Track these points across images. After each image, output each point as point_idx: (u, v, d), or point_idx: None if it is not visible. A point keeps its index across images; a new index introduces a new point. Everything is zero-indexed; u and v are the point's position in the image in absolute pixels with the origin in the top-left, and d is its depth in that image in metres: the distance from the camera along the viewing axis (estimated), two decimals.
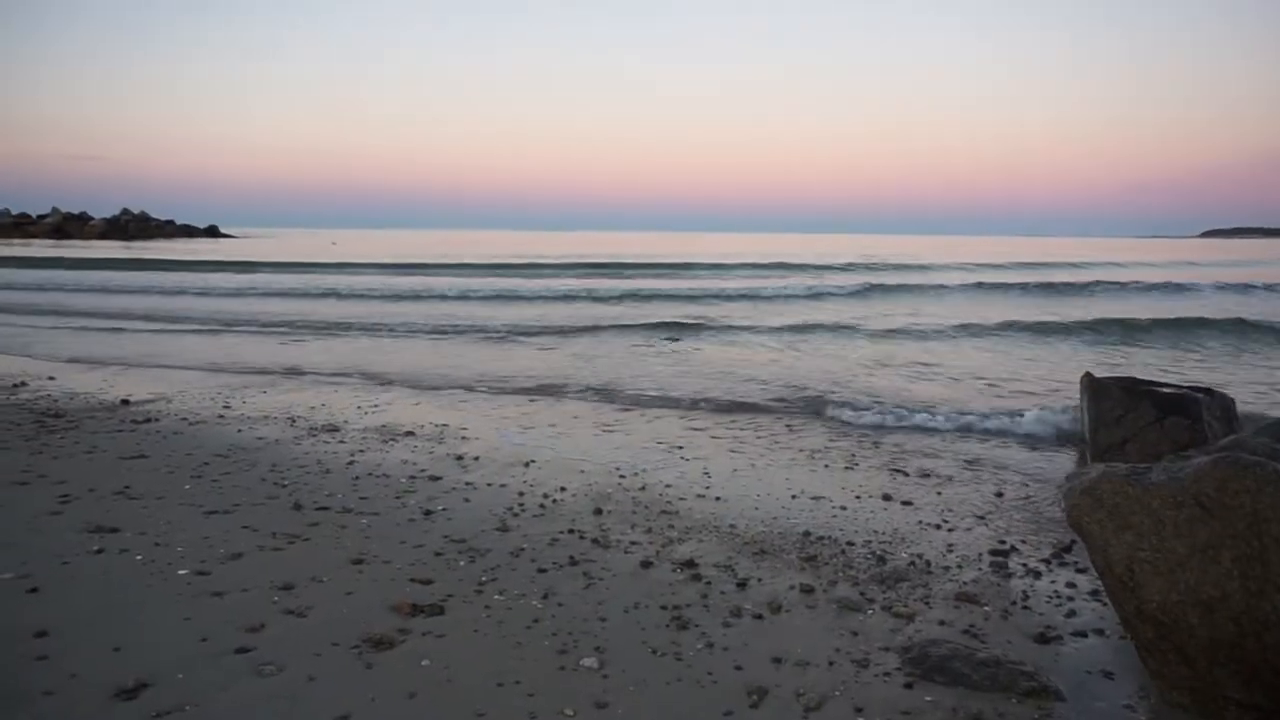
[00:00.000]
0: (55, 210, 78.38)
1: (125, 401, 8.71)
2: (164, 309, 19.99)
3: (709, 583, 4.24)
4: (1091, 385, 7.21)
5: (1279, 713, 2.90)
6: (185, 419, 7.91)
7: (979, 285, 26.74)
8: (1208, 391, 7.07)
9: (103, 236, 73.77)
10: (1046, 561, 4.68)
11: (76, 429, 7.36)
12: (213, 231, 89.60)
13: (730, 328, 16.19)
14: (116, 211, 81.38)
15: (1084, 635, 3.79)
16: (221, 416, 8.10)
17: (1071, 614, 4.01)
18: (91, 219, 78.21)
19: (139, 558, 4.38)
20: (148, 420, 7.80)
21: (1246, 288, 25.60)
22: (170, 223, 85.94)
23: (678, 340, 13.83)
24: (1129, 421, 6.74)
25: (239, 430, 7.49)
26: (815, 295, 24.09)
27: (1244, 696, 3.00)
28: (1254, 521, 3.01)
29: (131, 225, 79.49)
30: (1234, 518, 3.05)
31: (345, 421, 7.98)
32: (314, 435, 7.36)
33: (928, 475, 6.42)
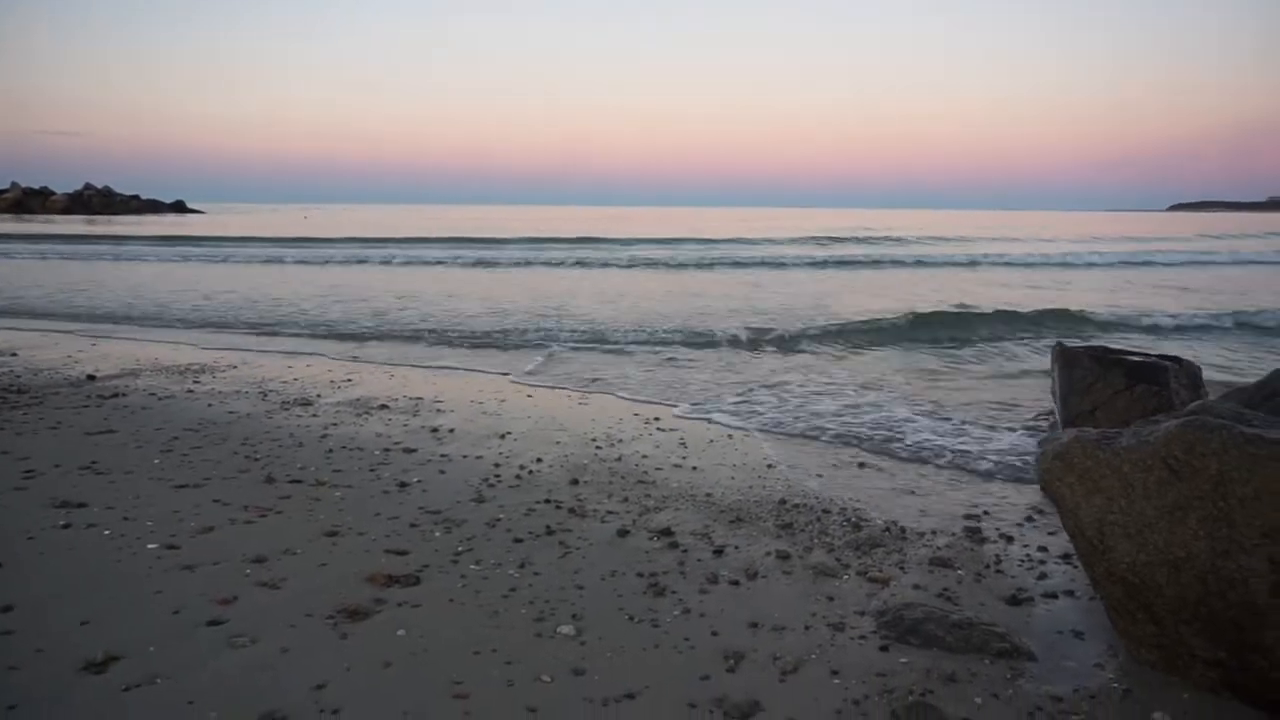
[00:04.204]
0: (15, 185, 76.53)
1: (91, 377, 8.54)
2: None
3: (686, 550, 4.25)
4: (1062, 354, 7.28)
5: (1242, 667, 2.95)
6: (154, 394, 7.78)
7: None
8: (1176, 360, 7.18)
9: (65, 212, 72.22)
10: (1019, 525, 4.75)
11: (40, 405, 7.22)
12: (179, 207, 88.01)
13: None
14: (79, 186, 79.67)
15: (1054, 597, 3.85)
16: (191, 391, 7.98)
17: (1043, 576, 4.07)
18: (54, 194, 76.47)
19: (107, 532, 4.31)
20: (115, 395, 7.67)
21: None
22: (135, 198, 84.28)
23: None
24: (1099, 389, 6.82)
25: (209, 405, 7.38)
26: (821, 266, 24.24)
27: (1209, 653, 3.05)
28: (1220, 483, 3.04)
29: (95, 200, 77.89)
30: (1200, 479, 3.09)
31: (318, 396, 7.89)
32: (286, 409, 7.27)
33: (903, 446, 6.47)
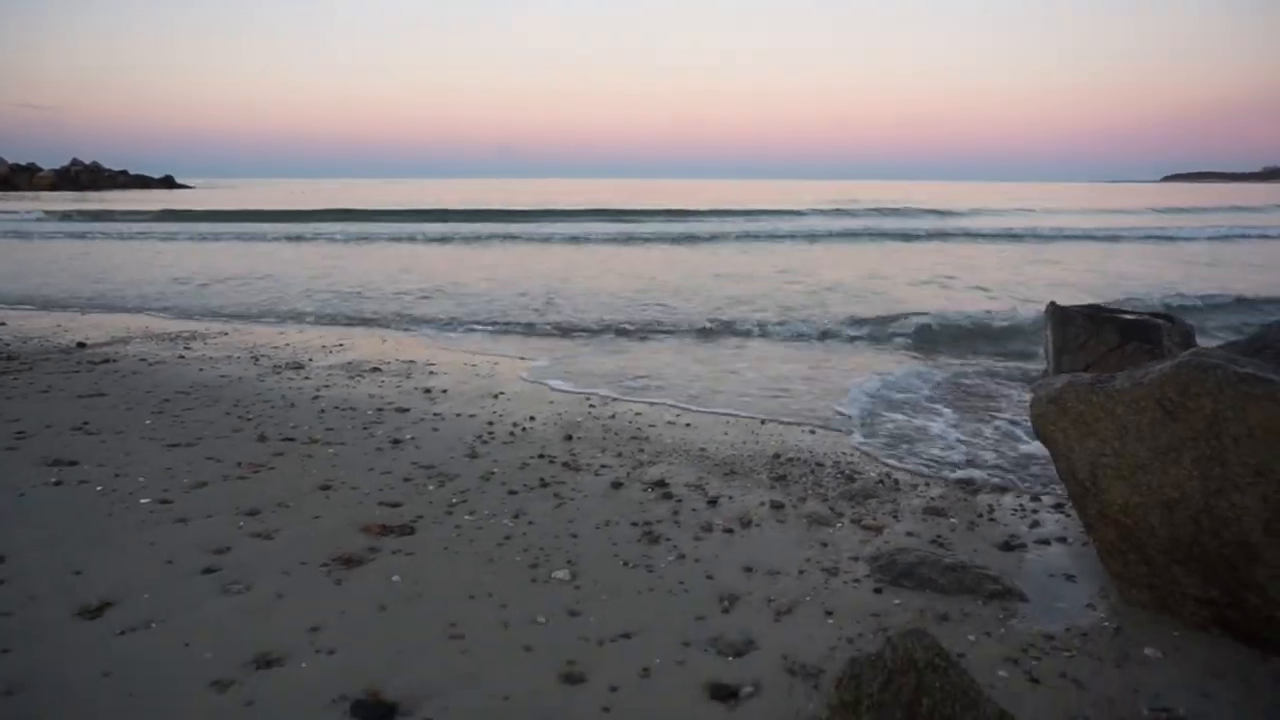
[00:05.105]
0: (1, 161, 75.68)
1: (81, 344, 8.49)
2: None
3: (680, 501, 4.25)
4: (1056, 313, 7.29)
5: (1234, 605, 2.97)
6: (144, 360, 7.74)
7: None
8: (1168, 318, 7.19)
9: (53, 188, 71.49)
10: (1012, 475, 4.76)
11: (30, 370, 7.17)
12: (168, 182, 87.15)
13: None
14: (66, 162, 78.84)
15: (1047, 543, 3.87)
16: (182, 357, 7.93)
17: (1035, 524, 4.09)
18: (40, 170, 75.66)
19: (99, 489, 4.29)
20: (105, 361, 7.62)
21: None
22: (123, 173, 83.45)
23: None
24: (1092, 347, 6.83)
25: (200, 369, 7.34)
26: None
27: (1200, 591, 3.07)
28: (1213, 422, 3.04)
29: (83, 176, 77.09)
30: (1194, 419, 3.09)
31: (310, 360, 7.85)
32: (278, 372, 7.24)
33: (895, 401, 6.48)
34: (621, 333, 9.56)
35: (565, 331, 9.65)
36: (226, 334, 9.36)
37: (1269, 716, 2.48)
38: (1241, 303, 11.71)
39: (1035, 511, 4.25)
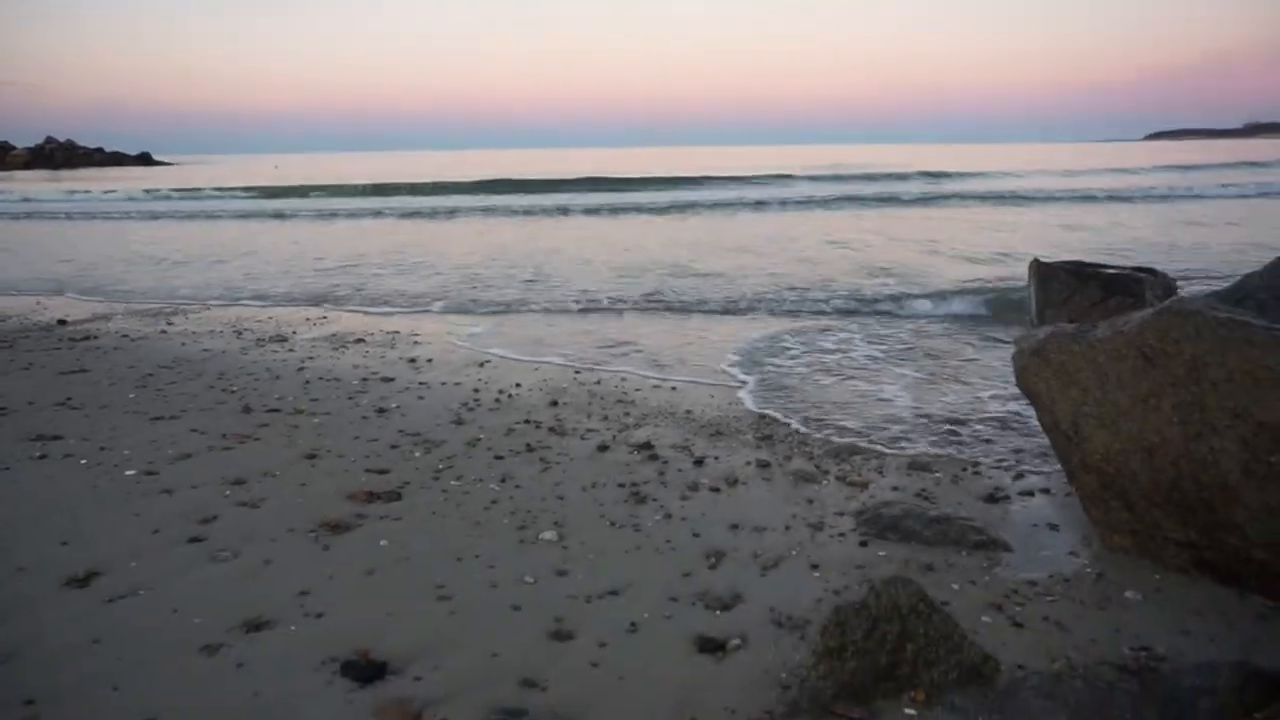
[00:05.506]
0: None
1: (62, 321, 8.41)
2: None
3: (666, 462, 4.27)
4: (1039, 269, 7.31)
5: (1213, 546, 3.01)
6: (126, 335, 7.67)
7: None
8: (1151, 271, 7.22)
9: (27, 167, 70.35)
10: (996, 429, 4.80)
11: (11, 348, 7.10)
12: (145, 159, 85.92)
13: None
14: (40, 140, 77.57)
15: (1030, 495, 3.90)
16: (164, 332, 7.87)
17: (1019, 476, 4.12)
18: (14, 148, 74.42)
19: (84, 461, 4.27)
20: (86, 338, 7.55)
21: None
22: (99, 150, 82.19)
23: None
24: (1075, 302, 6.86)
25: (183, 344, 7.29)
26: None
27: (1180, 535, 3.11)
28: (1193, 367, 3.06)
29: (58, 154, 75.89)
30: (1174, 365, 3.11)
31: (294, 333, 7.80)
32: (262, 346, 7.19)
33: (875, 356, 6.50)
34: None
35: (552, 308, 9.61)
36: (208, 309, 9.28)
37: (1245, 650, 2.53)
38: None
39: (1019, 464, 4.29)
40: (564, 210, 22.67)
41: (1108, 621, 2.76)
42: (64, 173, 62.14)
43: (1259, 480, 2.84)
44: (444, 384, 5.83)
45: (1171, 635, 2.66)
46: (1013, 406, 5.18)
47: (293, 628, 2.72)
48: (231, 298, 10.08)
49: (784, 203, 23.68)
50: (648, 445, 4.48)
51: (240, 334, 7.74)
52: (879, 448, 4.51)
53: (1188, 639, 2.64)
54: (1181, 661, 2.43)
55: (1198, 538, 3.08)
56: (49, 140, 78.26)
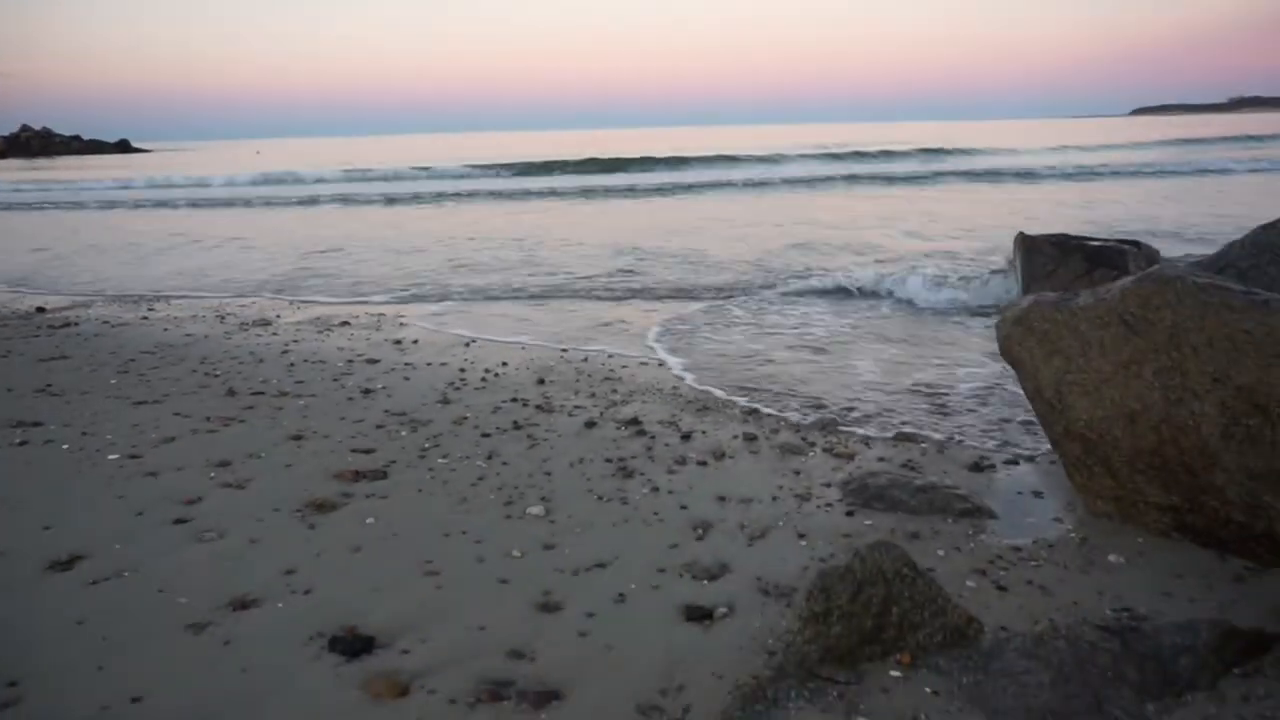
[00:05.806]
0: None
1: (40, 309, 8.32)
2: None
3: (653, 437, 4.27)
4: (1025, 242, 7.33)
5: (1193, 509, 3.04)
6: (107, 322, 7.60)
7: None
8: (1135, 244, 7.26)
9: (2, 156, 69.38)
10: (980, 399, 4.82)
11: None
12: (124, 146, 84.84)
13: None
14: (15, 128, 76.47)
15: (1015, 463, 3.93)
16: (145, 318, 7.80)
17: (1004, 444, 4.15)
18: None
19: (65, 447, 4.23)
20: (66, 325, 7.47)
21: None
22: (76, 138, 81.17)
23: None
24: (1060, 275, 6.88)
25: (165, 329, 7.23)
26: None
27: (1162, 499, 3.14)
28: (1174, 334, 3.08)
29: (34, 142, 74.89)
30: (1155, 332, 3.12)
31: (277, 316, 7.75)
32: (245, 330, 7.14)
33: (858, 326, 6.52)
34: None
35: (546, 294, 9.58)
36: (189, 295, 9.20)
37: (1224, 610, 2.56)
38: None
39: (1003, 433, 4.32)
40: (554, 192, 22.58)
41: (1090, 584, 2.79)
42: (40, 161, 61.33)
43: (1238, 443, 2.87)
44: (430, 364, 5.81)
45: (1153, 597, 2.69)
46: (996, 377, 5.21)
47: (280, 605, 2.72)
48: (214, 284, 9.99)
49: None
50: (635, 421, 4.48)
51: (223, 319, 7.68)
52: (865, 419, 4.53)
53: (1169, 600, 2.67)
54: (1162, 621, 2.46)
55: (1179, 502, 3.11)
56: (24, 128, 77.22)
